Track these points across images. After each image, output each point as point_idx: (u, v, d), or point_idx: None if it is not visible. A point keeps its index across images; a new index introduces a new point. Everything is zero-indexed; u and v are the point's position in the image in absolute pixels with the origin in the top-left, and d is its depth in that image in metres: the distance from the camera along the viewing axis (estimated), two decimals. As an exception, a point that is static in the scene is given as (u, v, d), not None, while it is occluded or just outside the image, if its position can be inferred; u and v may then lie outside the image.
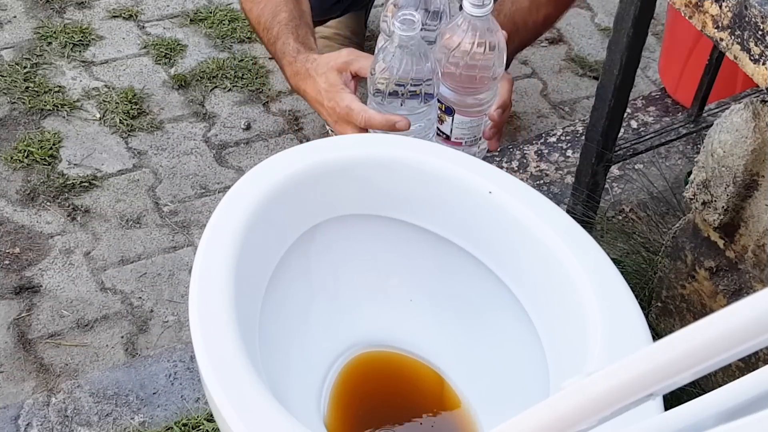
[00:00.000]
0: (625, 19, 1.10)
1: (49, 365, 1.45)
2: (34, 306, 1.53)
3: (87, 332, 1.51)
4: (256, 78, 2.00)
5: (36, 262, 1.60)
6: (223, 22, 2.16)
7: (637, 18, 1.09)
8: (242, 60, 2.06)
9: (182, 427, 1.26)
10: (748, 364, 0.99)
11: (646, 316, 0.84)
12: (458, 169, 0.92)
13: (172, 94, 1.97)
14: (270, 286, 0.86)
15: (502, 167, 1.63)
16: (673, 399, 0.55)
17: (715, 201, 0.95)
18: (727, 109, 0.97)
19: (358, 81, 1.19)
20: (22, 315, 1.52)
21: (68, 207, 1.70)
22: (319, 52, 1.23)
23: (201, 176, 1.80)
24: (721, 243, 0.99)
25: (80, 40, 2.07)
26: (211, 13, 2.19)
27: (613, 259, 0.86)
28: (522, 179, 1.59)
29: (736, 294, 0.99)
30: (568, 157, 1.65)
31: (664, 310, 1.11)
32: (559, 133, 1.72)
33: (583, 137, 1.28)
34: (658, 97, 1.78)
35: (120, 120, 1.88)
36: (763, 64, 0.79)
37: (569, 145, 1.68)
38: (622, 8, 1.10)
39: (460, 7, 1.13)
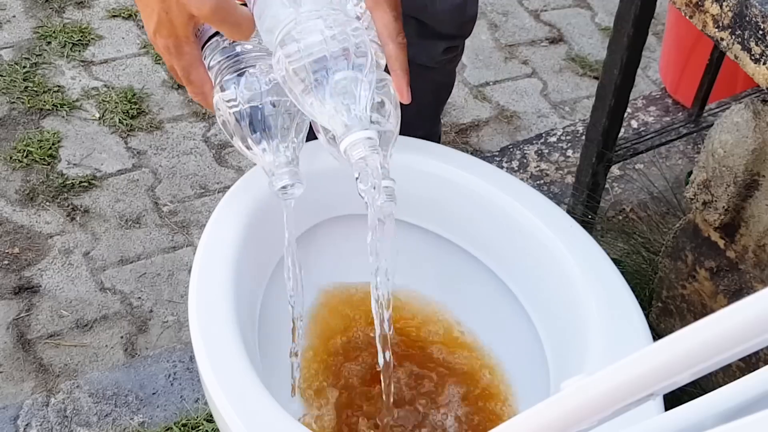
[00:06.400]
0: (626, 19, 1.10)
1: (48, 365, 1.45)
2: (34, 306, 1.53)
3: (86, 332, 1.50)
4: (256, 78, 2.00)
5: (35, 262, 1.60)
6: (223, 21, 2.16)
7: (638, 18, 1.09)
8: (242, 60, 2.06)
9: (182, 428, 1.26)
10: (748, 364, 0.99)
11: (647, 316, 0.83)
12: (458, 169, 0.92)
13: (172, 94, 1.97)
14: (270, 286, 0.86)
15: (502, 167, 1.63)
16: (673, 399, 0.55)
17: (716, 201, 0.95)
18: (727, 108, 0.97)
19: None
20: (22, 315, 1.52)
21: (67, 207, 1.70)
22: None
23: (200, 176, 1.80)
24: (721, 243, 0.99)
25: (79, 40, 2.07)
26: (210, 12, 2.18)
27: (613, 259, 0.86)
28: (522, 179, 1.59)
29: (736, 294, 0.99)
30: (569, 157, 1.65)
31: (665, 310, 1.11)
32: (559, 133, 1.72)
33: (584, 137, 1.28)
34: (658, 96, 1.78)
35: (119, 120, 1.88)
36: (764, 63, 0.79)
37: (569, 145, 1.68)
38: (622, 8, 1.10)
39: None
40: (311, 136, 0.83)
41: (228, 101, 0.77)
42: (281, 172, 0.75)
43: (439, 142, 1.39)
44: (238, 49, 0.78)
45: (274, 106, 0.77)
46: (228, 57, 0.78)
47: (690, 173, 1.00)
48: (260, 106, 0.76)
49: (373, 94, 0.72)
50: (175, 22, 0.75)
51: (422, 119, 1.32)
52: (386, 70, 0.80)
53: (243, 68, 0.78)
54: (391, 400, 0.83)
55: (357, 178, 0.71)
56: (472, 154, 1.71)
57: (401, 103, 0.81)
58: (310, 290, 0.95)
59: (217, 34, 0.79)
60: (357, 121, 0.69)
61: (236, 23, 0.74)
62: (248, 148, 0.77)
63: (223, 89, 0.77)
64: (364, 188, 0.72)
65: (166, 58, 0.79)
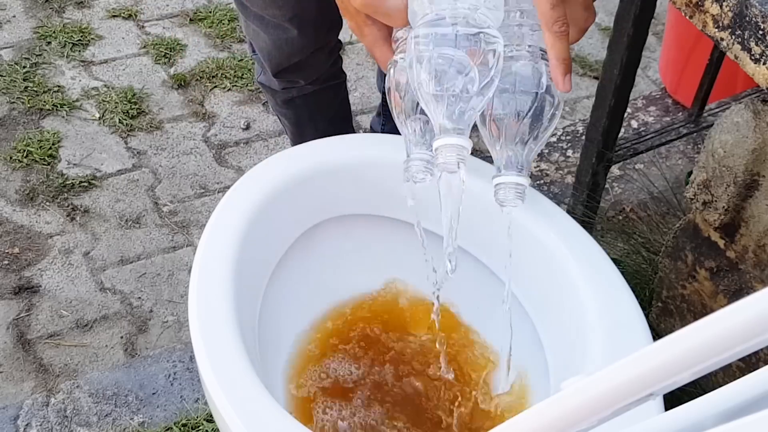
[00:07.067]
0: (626, 19, 1.10)
1: (48, 365, 1.45)
2: (34, 306, 1.53)
3: (86, 332, 1.50)
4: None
5: (35, 262, 1.60)
6: (223, 21, 2.16)
7: (638, 18, 1.09)
8: (242, 60, 2.06)
9: (182, 428, 1.26)
10: (748, 364, 0.99)
11: (647, 316, 0.83)
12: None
13: (172, 94, 1.97)
14: (270, 286, 0.86)
15: (502, 167, 1.63)
16: (673, 399, 0.55)
17: (716, 201, 0.95)
18: (727, 108, 0.97)
19: None
20: (22, 315, 1.52)
21: (67, 207, 1.70)
22: None
23: (200, 176, 1.80)
24: (721, 243, 0.99)
25: (79, 40, 2.07)
26: (210, 12, 2.19)
27: (613, 259, 0.86)
28: (522, 179, 1.59)
29: (736, 294, 0.99)
30: (569, 157, 1.65)
31: (665, 310, 1.11)
32: (559, 133, 1.72)
33: (584, 137, 1.28)
34: (658, 96, 1.78)
35: (119, 120, 1.88)
36: (764, 63, 0.79)
37: (569, 145, 1.68)
38: (622, 8, 1.10)
39: None
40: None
41: (390, 73, 0.80)
42: (415, 159, 0.77)
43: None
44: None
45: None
46: (407, 32, 0.81)
47: (690, 173, 1.00)
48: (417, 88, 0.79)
49: (485, 101, 0.73)
50: (350, 10, 0.82)
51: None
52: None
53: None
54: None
55: (439, 178, 0.73)
56: (472, 154, 1.71)
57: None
58: (310, 293, 0.95)
59: None
60: (456, 125, 0.71)
61: (386, 14, 0.79)
62: (400, 120, 0.80)
63: (394, 65, 0.81)
64: (442, 190, 0.74)
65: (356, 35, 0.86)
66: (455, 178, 0.73)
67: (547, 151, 1.67)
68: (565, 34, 0.77)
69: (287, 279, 0.90)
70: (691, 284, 1.05)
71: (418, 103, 0.77)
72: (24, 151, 1.79)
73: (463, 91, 0.72)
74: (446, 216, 0.76)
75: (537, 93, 0.78)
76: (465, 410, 0.88)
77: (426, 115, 0.77)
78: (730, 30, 0.82)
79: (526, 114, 0.78)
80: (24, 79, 1.95)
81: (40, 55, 2.02)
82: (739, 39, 0.81)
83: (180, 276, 1.60)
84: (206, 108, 1.95)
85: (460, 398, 0.89)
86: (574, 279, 0.83)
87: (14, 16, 2.11)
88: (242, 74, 2.02)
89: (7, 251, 1.62)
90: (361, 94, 2.00)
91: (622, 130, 1.31)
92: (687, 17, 0.86)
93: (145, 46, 2.08)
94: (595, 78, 2.07)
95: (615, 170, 1.60)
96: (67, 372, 1.44)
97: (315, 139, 0.94)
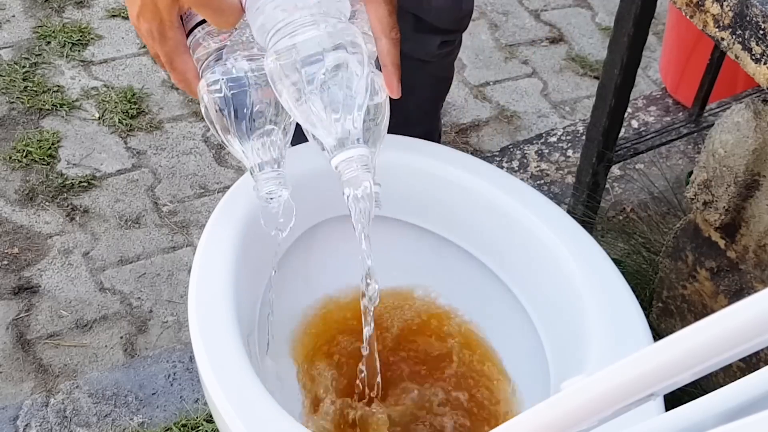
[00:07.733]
0: (626, 19, 1.10)
1: (48, 366, 1.45)
2: (33, 306, 1.53)
3: (86, 332, 1.50)
4: (256, 78, 2.00)
5: (35, 263, 1.60)
6: (223, 21, 2.16)
7: (638, 17, 1.09)
8: (242, 60, 2.05)
9: (181, 428, 1.26)
10: (748, 364, 0.99)
11: (647, 317, 0.83)
12: (458, 170, 0.92)
13: (172, 94, 1.97)
14: (269, 286, 0.86)
15: (502, 167, 1.63)
16: (673, 399, 0.55)
17: (716, 201, 0.95)
18: (728, 108, 0.97)
19: None
20: (21, 315, 1.52)
21: (67, 207, 1.70)
22: None
23: (200, 176, 1.80)
24: (722, 243, 0.99)
25: (79, 40, 2.07)
26: (210, 12, 2.18)
27: (613, 259, 0.86)
28: (522, 179, 1.59)
29: (737, 294, 0.99)
30: (569, 156, 1.65)
31: (665, 311, 1.11)
32: (559, 133, 1.72)
33: (584, 137, 1.28)
34: (659, 96, 1.78)
35: (119, 120, 1.88)
36: (765, 63, 0.79)
37: (570, 144, 1.68)
38: (622, 8, 1.10)
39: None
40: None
41: (210, 86, 0.74)
42: (264, 177, 0.73)
43: (439, 139, 1.39)
44: (226, 36, 0.75)
45: (259, 98, 0.73)
46: (215, 43, 0.75)
47: (690, 173, 1.00)
48: (244, 96, 0.73)
49: (366, 102, 0.69)
50: (159, 5, 0.73)
51: (422, 114, 1.32)
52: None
53: (230, 56, 0.74)
54: (376, 393, 0.83)
55: (348, 196, 0.68)
56: (472, 154, 1.71)
57: (401, 99, 0.79)
58: (310, 292, 0.95)
59: (204, 21, 0.75)
60: (349, 136, 0.66)
61: (218, 9, 0.71)
62: (230, 141, 0.74)
63: (206, 74, 0.74)
64: (354, 205, 0.69)
65: (149, 44, 0.77)
66: (365, 190, 0.68)
67: (547, 151, 1.67)
68: (398, 41, 0.75)
69: (287, 279, 0.90)
70: (691, 284, 1.05)
71: (255, 122, 0.72)
72: (23, 151, 1.79)
73: (350, 101, 0.67)
74: (359, 231, 0.70)
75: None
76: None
77: (259, 130, 0.73)
78: (730, 30, 0.82)
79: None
80: (24, 79, 1.95)
81: (39, 54, 2.02)
82: (740, 39, 0.81)
83: (180, 276, 1.60)
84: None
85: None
86: (574, 279, 0.83)
87: (14, 16, 2.11)
88: (242, 74, 2.02)
89: (6, 251, 1.61)
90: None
91: (623, 130, 1.31)
92: (687, 17, 0.86)
93: (144, 46, 2.08)
94: (596, 78, 2.07)
95: (615, 170, 1.60)
96: (67, 372, 1.44)
97: None
